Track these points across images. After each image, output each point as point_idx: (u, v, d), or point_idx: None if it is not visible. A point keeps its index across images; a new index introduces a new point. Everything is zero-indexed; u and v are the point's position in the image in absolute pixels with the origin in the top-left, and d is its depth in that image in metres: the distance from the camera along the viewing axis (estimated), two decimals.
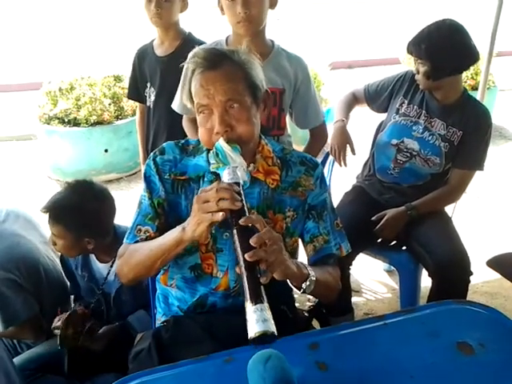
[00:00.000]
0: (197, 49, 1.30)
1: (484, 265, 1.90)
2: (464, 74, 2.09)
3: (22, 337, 1.87)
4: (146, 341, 1.30)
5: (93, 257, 1.83)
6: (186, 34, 2.24)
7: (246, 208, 1.09)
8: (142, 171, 2.50)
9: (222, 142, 1.18)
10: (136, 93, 2.41)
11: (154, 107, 2.29)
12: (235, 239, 1.06)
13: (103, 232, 1.75)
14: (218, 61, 1.22)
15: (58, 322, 1.71)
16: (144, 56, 2.32)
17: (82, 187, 1.76)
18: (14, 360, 1.72)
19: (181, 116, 1.99)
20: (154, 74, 2.26)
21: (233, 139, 1.20)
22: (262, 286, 1.00)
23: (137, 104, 2.52)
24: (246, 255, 1.01)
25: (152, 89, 2.28)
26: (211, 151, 1.20)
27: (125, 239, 1.35)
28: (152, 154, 1.36)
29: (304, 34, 8.47)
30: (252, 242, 1.03)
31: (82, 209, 1.67)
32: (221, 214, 1.07)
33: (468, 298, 1.90)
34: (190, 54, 1.29)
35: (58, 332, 1.68)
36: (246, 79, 1.23)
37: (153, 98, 2.28)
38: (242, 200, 1.09)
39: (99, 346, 1.72)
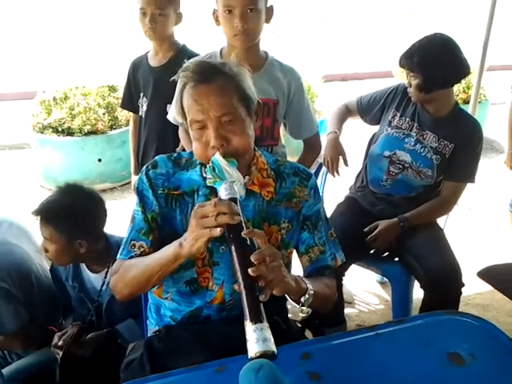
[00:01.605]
0: (188, 62, 1.30)
1: (476, 276, 1.91)
2: (456, 88, 2.13)
3: (12, 347, 1.85)
4: (138, 350, 1.29)
5: (84, 267, 1.82)
6: (180, 45, 2.26)
7: (243, 223, 1.08)
8: (133, 182, 2.54)
9: (218, 157, 1.17)
10: (130, 103, 2.42)
11: (146, 117, 2.31)
12: (233, 255, 1.05)
13: (95, 235, 1.74)
14: (210, 74, 1.21)
15: (59, 342, 1.66)
16: (138, 66, 2.34)
17: (73, 189, 1.76)
18: (3, 370, 1.71)
19: (172, 126, 1.99)
20: (147, 84, 2.27)
21: (229, 153, 1.19)
22: (261, 305, 1.00)
23: (131, 114, 2.53)
24: (249, 270, 1.00)
25: (144, 99, 2.29)
26: (207, 166, 1.18)
27: (118, 255, 1.32)
28: (144, 167, 1.35)
29: (298, 47, 8.55)
30: (253, 258, 1.02)
31: (73, 209, 1.67)
32: (219, 229, 1.06)
33: (460, 310, 1.91)
34: (182, 68, 1.28)
35: (58, 352, 1.65)
36: (239, 92, 1.23)
37: (145, 107, 2.29)
38: (240, 215, 1.08)
39: (86, 352, 1.69)
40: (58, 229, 1.67)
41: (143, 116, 2.32)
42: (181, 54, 2.19)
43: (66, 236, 1.68)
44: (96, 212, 1.76)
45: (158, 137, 2.26)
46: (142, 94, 2.31)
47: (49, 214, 1.68)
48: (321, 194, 1.48)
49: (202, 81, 1.21)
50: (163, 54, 2.25)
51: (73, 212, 1.67)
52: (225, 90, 1.21)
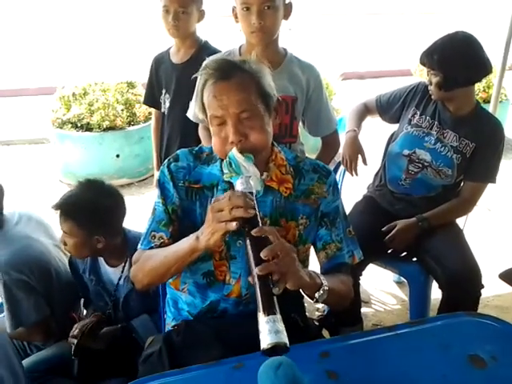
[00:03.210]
0: (208, 60, 1.32)
1: (495, 278, 1.89)
2: (476, 87, 2.09)
3: (32, 339, 1.88)
4: (157, 344, 1.30)
5: (101, 260, 1.84)
6: (202, 42, 2.26)
7: (259, 217, 1.09)
8: (155, 177, 2.56)
9: (235, 152, 1.19)
10: (152, 99, 2.43)
11: (169, 113, 2.32)
12: (248, 249, 1.06)
13: (113, 231, 1.76)
14: (230, 71, 1.24)
15: (75, 331, 1.69)
16: (160, 63, 2.35)
17: (94, 185, 1.78)
18: (23, 362, 1.73)
19: (194, 123, 2.00)
20: (169, 81, 2.28)
21: (247, 148, 1.21)
22: (274, 297, 1.00)
23: (150, 110, 2.54)
24: (256, 268, 1.01)
25: (167, 95, 2.30)
26: (224, 161, 1.21)
27: (139, 245, 1.36)
28: (166, 160, 1.37)
29: (316, 44, 8.51)
30: (263, 255, 1.02)
31: (93, 205, 1.69)
32: (234, 223, 1.07)
33: (479, 312, 1.89)
34: (202, 66, 1.30)
35: (73, 341, 1.67)
36: (258, 88, 1.25)
37: (168, 104, 2.30)
38: (255, 209, 1.09)
39: (100, 345, 1.72)
40: (77, 224, 1.69)
41: (166, 112, 2.33)
42: (203, 50, 2.20)
43: (84, 231, 1.70)
44: (115, 209, 1.77)
45: (181, 133, 2.27)
46: (164, 91, 2.32)
47: (69, 209, 1.70)
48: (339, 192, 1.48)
49: (222, 77, 1.23)
50: (185, 51, 2.25)
51: (93, 208, 1.68)
52: (244, 86, 1.23)
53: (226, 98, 1.21)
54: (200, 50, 2.21)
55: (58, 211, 1.72)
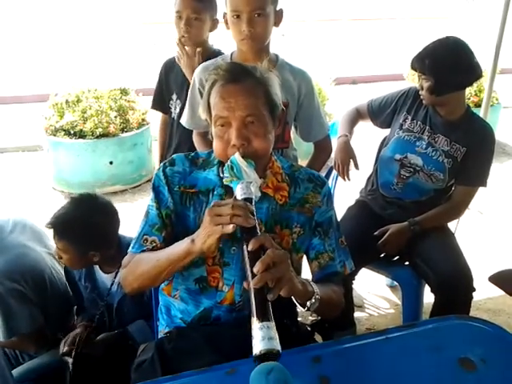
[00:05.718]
0: (219, 62, 1.31)
1: (487, 281, 1.90)
2: (467, 91, 2.11)
3: (24, 348, 1.87)
4: (149, 351, 1.30)
5: (97, 267, 1.84)
6: (214, 50, 2.20)
7: (257, 225, 1.10)
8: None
9: (237, 157, 1.19)
10: (161, 104, 2.41)
11: (179, 119, 2.30)
12: (245, 255, 1.06)
13: (108, 245, 1.76)
14: (241, 75, 1.24)
15: (65, 348, 1.69)
16: (171, 68, 2.32)
17: (86, 201, 1.77)
18: (15, 370, 1.73)
19: None
20: (180, 87, 2.25)
21: (248, 153, 1.21)
22: (269, 304, 1.00)
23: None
24: (252, 281, 1.01)
25: (178, 101, 2.27)
26: (226, 164, 1.20)
27: (130, 248, 1.35)
28: (162, 164, 1.37)
29: (309, 50, 8.54)
30: (256, 269, 1.02)
31: (86, 224, 1.68)
32: (231, 226, 1.08)
33: (471, 315, 1.89)
34: (213, 67, 1.31)
35: (68, 360, 1.67)
36: (266, 96, 1.25)
37: (178, 110, 2.27)
38: (255, 219, 1.09)
39: (98, 352, 1.71)
40: (70, 243, 1.70)
41: (175, 118, 2.30)
42: (213, 57, 2.17)
43: (79, 248, 1.71)
44: (109, 224, 1.77)
45: (190, 139, 2.25)
46: (174, 97, 2.29)
47: (62, 228, 1.70)
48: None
49: (232, 80, 1.24)
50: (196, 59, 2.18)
51: (85, 226, 1.68)
52: (253, 92, 1.23)
53: (234, 101, 1.21)
54: (211, 58, 2.18)
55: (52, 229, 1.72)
